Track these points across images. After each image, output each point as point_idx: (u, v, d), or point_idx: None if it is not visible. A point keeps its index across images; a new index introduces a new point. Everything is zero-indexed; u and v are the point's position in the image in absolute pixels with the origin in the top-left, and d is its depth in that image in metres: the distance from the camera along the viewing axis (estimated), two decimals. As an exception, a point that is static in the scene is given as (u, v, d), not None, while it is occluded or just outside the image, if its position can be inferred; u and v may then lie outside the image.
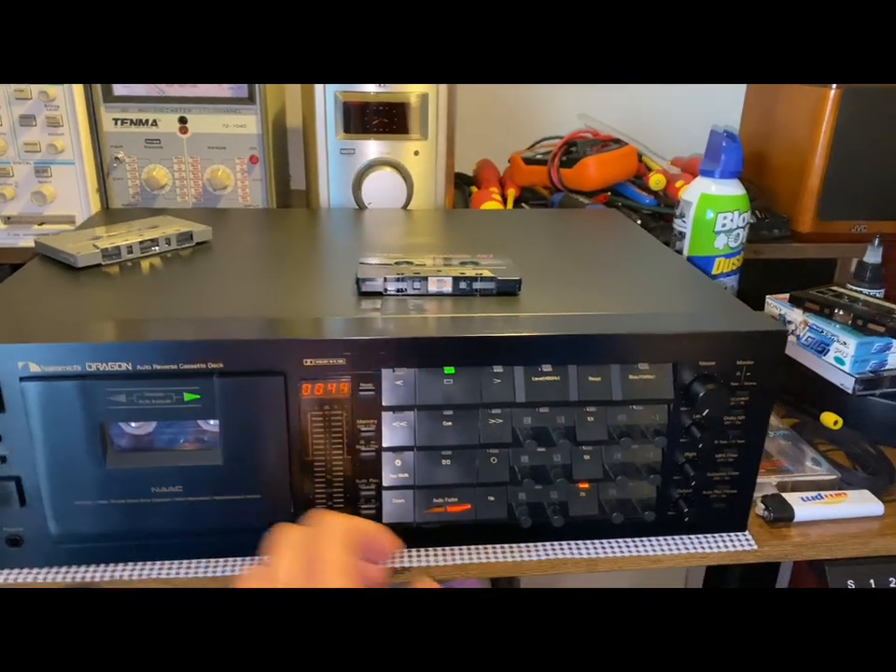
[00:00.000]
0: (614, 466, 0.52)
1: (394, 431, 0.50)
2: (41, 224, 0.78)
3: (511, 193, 1.01)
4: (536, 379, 0.50)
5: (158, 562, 0.52)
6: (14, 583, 0.50)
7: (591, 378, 0.50)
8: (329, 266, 0.63)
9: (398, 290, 0.55)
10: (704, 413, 0.50)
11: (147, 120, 0.78)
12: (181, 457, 0.49)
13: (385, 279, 0.55)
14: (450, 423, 0.50)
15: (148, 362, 0.46)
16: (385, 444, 0.50)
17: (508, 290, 0.56)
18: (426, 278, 0.55)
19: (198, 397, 0.47)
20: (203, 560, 0.52)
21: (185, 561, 0.52)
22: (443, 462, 0.51)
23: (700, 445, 0.52)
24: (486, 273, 0.56)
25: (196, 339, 0.47)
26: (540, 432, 0.51)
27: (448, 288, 0.55)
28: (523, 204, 1.02)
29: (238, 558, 0.53)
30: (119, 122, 0.78)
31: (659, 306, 0.55)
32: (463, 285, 0.55)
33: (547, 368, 0.50)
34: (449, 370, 0.49)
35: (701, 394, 0.50)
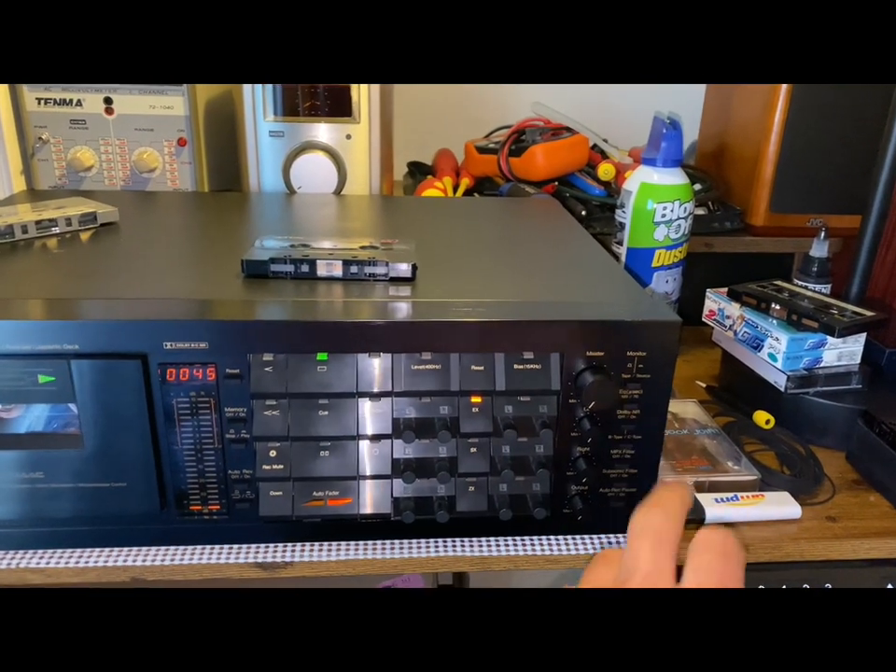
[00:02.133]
0: (502, 459, 0.50)
1: (266, 420, 0.48)
2: (-37, 205, 0.77)
3: (465, 183, 0.98)
4: (416, 367, 0.48)
5: (28, 551, 0.50)
6: None
7: (474, 367, 0.48)
8: (230, 249, 0.61)
9: (285, 273, 0.53)
10: (591, 406, 0.48)
11: (71, 100, 0.76)
12: (41, 442, 0.47)
13: (272, 261, 0.52)
14: (325, 412, 0.48)
15: (1, 342, 0.44)
16: (256, 433, 0.48)
17: (401, 275, 0.53)
18: (314, 261, 0.53)
19: (53, 379, 0.45)
20: (78, 550, 0.51)
21: (57, 550, 0.51)
22: (321, 453, 0.49)
23: (591, 440, 0.50)
24: (380, 258, 0.53)
25: (53, 319, 0.45)
26: (423, 423, 0.49)
27: (338, 272, 0.53)
28: (475, 194, 0.99)
29: (108, 548, 0.51)
30: (42, 102, 0.76)
31: (559, 295, 0.53)
32: (354, 268, 0.53)
33: (427, 356, 0.48)
34: (322, 356, 0.47)
35: (588, 384, 0.47)
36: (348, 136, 0.79)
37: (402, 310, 0.48)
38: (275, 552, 0.51)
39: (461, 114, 1.16)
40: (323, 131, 0.79)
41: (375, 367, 0.47)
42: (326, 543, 0.52)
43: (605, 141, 1.00)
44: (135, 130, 0.78)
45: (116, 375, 0.45)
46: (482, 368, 0.48)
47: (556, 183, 0.91)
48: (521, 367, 0.48)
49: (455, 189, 0.97)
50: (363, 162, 0.80)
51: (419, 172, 1.07)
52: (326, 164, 0.78)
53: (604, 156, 0.99)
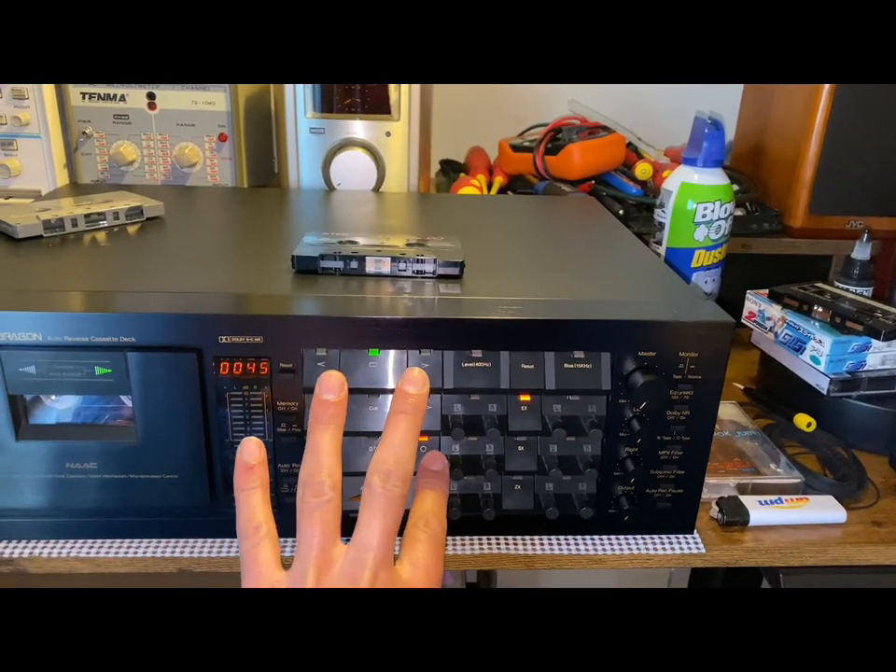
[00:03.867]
0: (550, 458, 0.50)
1: (317, 414, 0.48)
2: (8, 198, 0.78)
3: (499, 181, 0.98)
4: (466, 365, 0.48)
5: (79, 540, 0.51)
6: (-69, 556, 0.50)
7: (524, 365, 0.48)
8: (276, 245, 0.61)
9: (334, 269, 0.53)
10: (642, 406, 0.48)
11: (114, 95, 0.77)
12: (95, 433, 0.48)
13: (322, 257, 0.53)
14: (375, 408, 0.48)
15: (60, 334, 0.45)
16: (307, 428, 0.48)
17: (449, 273, 0.53)
18: (363, 258, 0.53)
19: (109, 371, 0.46)
20: (127, 540, 0.51)
21: (105, 540, 0.51)
22: (370, 448, 0.49)
23: (640, 440, 0.50)
24: (428, 255, 0.54)
25: (109, 311, 0.45)
26: (471, 420, 0.49)
27: (386, 269, 0.53)
28: (509, 192, 0.99)
29: (157, 539, 0.51)
30: (86, 97, 0.77)
31: (606, 294, 0.52)
32: (402, 265, 0.53)
33: (478, 353, 0.48)
34: (374, 352, 0.47)
35: (639, 385, 0.47)
36: (388, 133, 0.79)
37: (453, 307, 0.48)
38: (321, 546, 0.52)
39: (493, 112, 1.16)
40: (362, 128, 0.79)
41: (425, 364, 0.48)
42: (371, 538, 0.52)
43: (639, 140, 1.00)
44: (177, 125, 0.79)
45: (171, 368, 0.46)
46: (531, 366, 0.48)
47: (593, 182, 0.91)
48: (571, 366, 0.48)
49: (489, 187, 0.97)
50: (401, 160, 0.81)
51: (451, 169, 1.07)
52: (365, 161, 0.78)
53: (639, 155, 0.98)
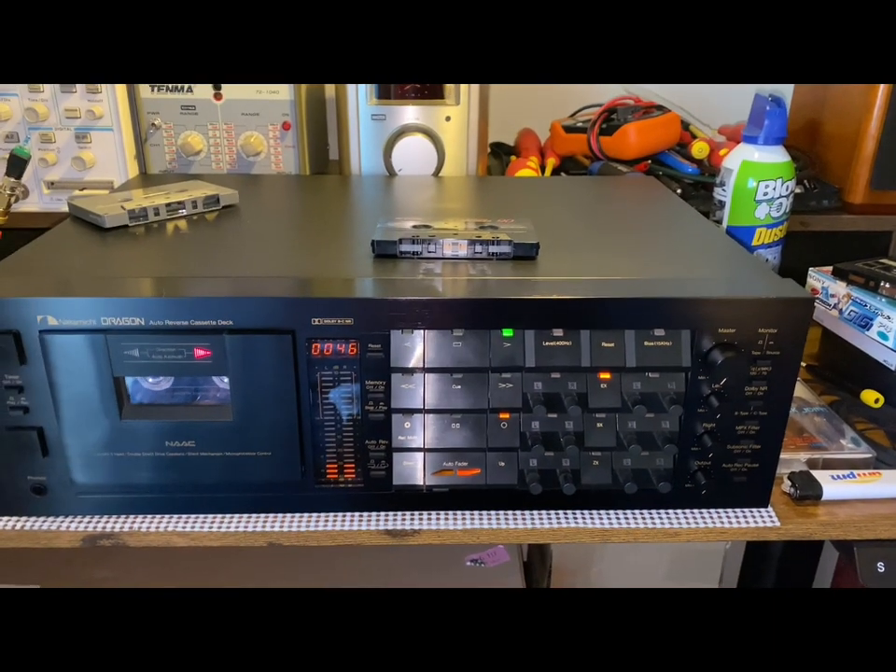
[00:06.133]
0: (628, 434, 0.51)
1: (403, 393, 0.50)
2: (82, 189, 0.81)
3: (551, 162, 0.99)
4: (547, 344, 0.49)
5: (174, 515, 0.54)
6: (38, 530, 0.52)
7: (604, 343, 0.49)
8: (350, 230, 0.63)
9: (413, 253, 0.55)
10: (722, 383, 0.49)
11: (182, 87, 0.79)
12: (193, 413, 0.50)
13: (401, 241, 0.54)
14: (459, 386, 0.50)
15: (161, 318, 0.47)
16: (393, 406, 0.50)
17: (525, 254, 0.54)
18: (440, 241, 0.54)
19: (209, 353, 0.48)
20: (220, 515, 0.54)
21: (199, 515, 0.54)
22: (453, 426, 0.51)
23: (718, 416, 0.51)
24: (503, 237, 0.55)
25: (207, 295, 0.47)
26: (552, 398, 0.50)
27: (463, 252, 0.55)
28: (562, 174, 1.00)
29: (248, 514, 0.54)
30: (155, 89, 0.79)
31: (681, 272, 0.53)
32: (478, 248, 0.54)
33: (559, 332, 0.49)
34: (458, 332, 0.49)
35: (719, 362, 0.48)
36: (448, 118, 0.80)
37: (532, 288, 0.49)
38: (404, 519, 0.54)
39: (541, 94, 1.16)
40: (421, 113, 0.80)
41: (507, 343, 0.49)
42: (452, 512, 0.54)
43: (694, 119, 0.99)
44: (242, 115, 0.80)
45: (266, 349, 0.48)
46: (612, 344, 0.49)
47: (649, 162, 0.91)
48: (651, 344, 0.49)
49: (542, 168, 0.98)
50: (461, 144, 0.82)
51: (503, 152, 1.08)
52: (426, 146, 0.80)
53: (693, 134, 0.98)
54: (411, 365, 0.49)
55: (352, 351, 0.49)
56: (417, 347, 0.49)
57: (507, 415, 0.51)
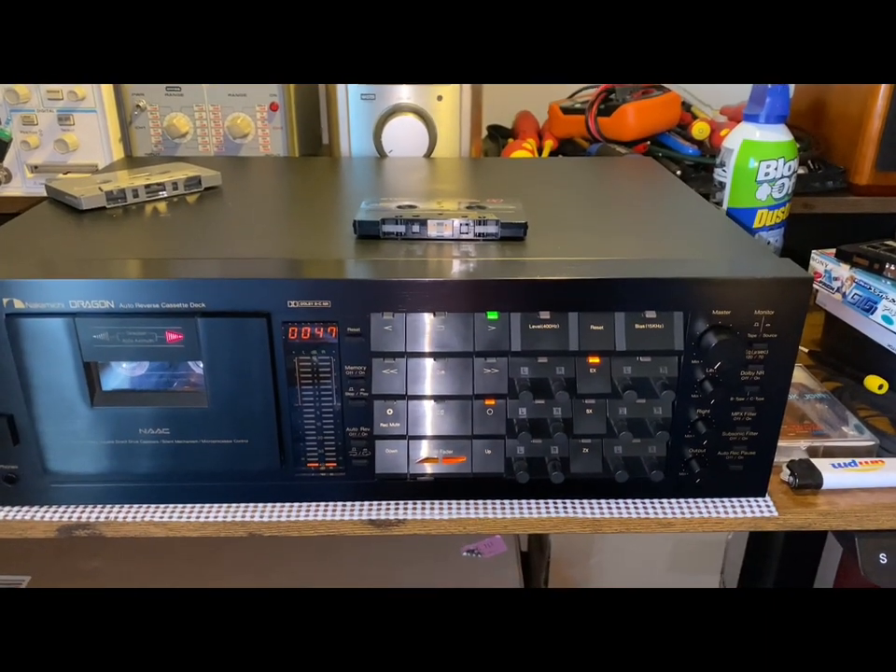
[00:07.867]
0: (619, 421, 0.49)
1: (384, 379, 0.48)
2: (66, 173, 0.79)
3: (549, 145, 0.96)
4: (533, 327, 0.47)
5: (151, 505, 0.52)
6: (12, 521, 0.51)
7: (593, 326, 0.47)
8: (334, 212, 0.61)
9: (396, 234, 0.53)
10: (717, 367, 0.47)
11: (167, 67, 0.77)
12: (167, 399, 0.48)
13: (384, 221, 0.52)
14: (443, 371, 0.48)
15: (131, 301, 0.45)
16: (375, 392, 0.48)
17: (512, 235, 0.52)
18: (425, 221, 0.52)
19: (181, 337, 0.46)
20: (198, 505, 0.52)
21: (177, 505, 0.52)
22: (437, 412, 0.49)
23: (713, 402, 0.49)
24: (490, 217, 0.53)
25: (178, 277, 0.45)
26: (539, 383, 0.48)
27: (448, 233, 0.53)
28: (560, 156, 0.97)
29: (227, 504, 0.52)
30: (139, 69, 0.77)
31: (674, 253, 0.51)
32: (464, 228, 0.52)
33: (545, 315, 0.47)
34: (440, 315, 0.47)
35: (713, 345, 0.46)
36: (439, 98, 0.78)
37: (519, 269, 0.47)
38: (388, 509, 0.52)
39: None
40: (412, 92, 0.78)
41: (492, 326, 0.47)
42: (438, 501, 0.52)
43: (694, 99, 0.97)
44: (228, 95, 0.78)
45: (241, 333, 0.46)
46: (601, 327, 0.47)
47: (648, 143, 0.89)
48: (642, 326, 0.47)
49: (539, 151, 0.95)
50: (453, 125, 0.80)
51: (500, 135, 1.06)
52: (417, 127, 0.77)
53: (693, 115, 0.96)
54: (392, 349, 0.47)
55: (331, 335, 0.47)
56: (399, 331, 0.47)
57: (492, 402, 0.49)
